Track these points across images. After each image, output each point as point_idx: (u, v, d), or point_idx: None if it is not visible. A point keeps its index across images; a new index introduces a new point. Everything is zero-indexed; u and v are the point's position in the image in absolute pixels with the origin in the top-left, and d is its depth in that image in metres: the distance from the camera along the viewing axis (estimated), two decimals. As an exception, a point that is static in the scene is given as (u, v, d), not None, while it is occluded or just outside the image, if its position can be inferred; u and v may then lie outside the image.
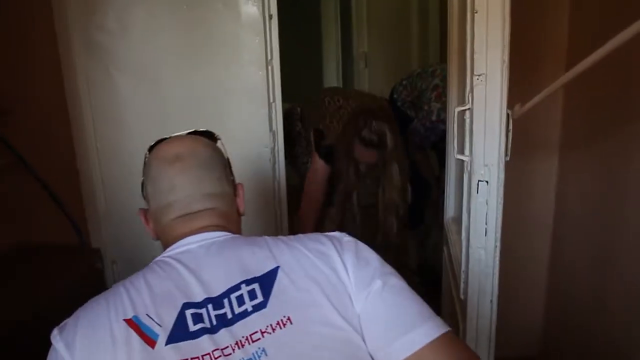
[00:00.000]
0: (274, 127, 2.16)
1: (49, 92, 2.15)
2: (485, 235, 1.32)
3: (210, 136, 1.10)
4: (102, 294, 0.91)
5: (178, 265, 0.90)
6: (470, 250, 1.35)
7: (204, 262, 0.90)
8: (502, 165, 1.27)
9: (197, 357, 0.78)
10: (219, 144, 1.11)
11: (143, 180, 1.05)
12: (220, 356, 0.79)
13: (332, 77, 4.33)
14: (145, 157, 1.06)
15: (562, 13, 1.90)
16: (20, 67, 2.08)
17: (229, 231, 1.00)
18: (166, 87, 2.11)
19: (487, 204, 1.30)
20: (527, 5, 1.80)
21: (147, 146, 1.08)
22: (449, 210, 1.91)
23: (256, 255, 0.90)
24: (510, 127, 1.26)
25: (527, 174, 2.06)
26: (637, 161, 1.56)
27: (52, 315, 1.84)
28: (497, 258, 1.33)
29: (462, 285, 1.45)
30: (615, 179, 1.68)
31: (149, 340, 0.80)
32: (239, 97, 2.15)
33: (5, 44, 2.03)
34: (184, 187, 0.98)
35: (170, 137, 1.06)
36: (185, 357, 0.78)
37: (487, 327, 1.39)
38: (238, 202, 1.08)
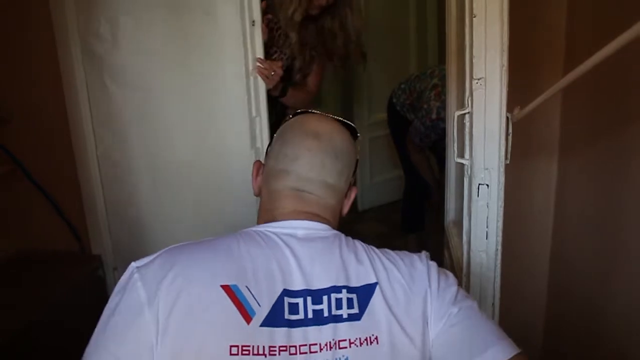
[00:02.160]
0: (257, 144, 1.99)
1: (49, 100, 2.15)
2: (486, 238, 1.32)
3: (352, 131, 1.10)
4: (197, 244, 0.89)
5: (283, 246, 0.89)
6: (472, 254, 1.35)
7: (309, 253, 0.89)
8: (502, 169, 1.27)
9: (285, 347, 0.79)
10: (356, 143, 1.10)
11: (275, 137, 1.06)
12: (306, 352, 0.80)
13: (331, 80, 4.33)
14: (288, 118, 1.07)
15: (560, 16, 1.91)
16: (20, 75, 2.10)
17: (332, 226, 0.99)
18: (158, 96, 2.06)
19: (487, 207, 1.30)
20: (525, 9, 1.81)
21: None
22: (450, 214, 1.92)
23: (358, 265, 0.90)
24: (510, 130, 1.27)
25: (526, 176, 2.06)
26: (636, 163, 1.56)
27: (53, 322, 1.87)
28: (499, 261, 1.33)
29: (463, 289, 1.45)
30: (614, 181, 1.69)
31: (246, 314, 0.80)
32: (222, 110, 2.01)
33: (4, 53, 2.04)
34: (307, 165, 0.98)
35: (320, 114, 1.07)
36: (274, 344, 0.79)
37: (489, 331, 1.39)
38: (345, 203, 1.07)
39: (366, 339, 0.82)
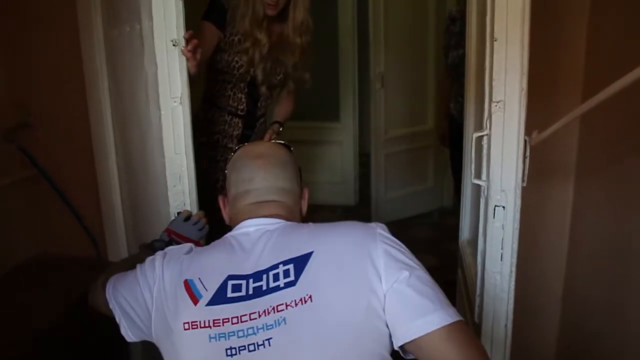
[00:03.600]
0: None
1: (72, 107, 2.21)
2: (501, 260, 1.33)
3: (287, 147, 1.29)
4: (180, 250, 1.14)
5: (235, 244, 1.09)
6: (486, 275, 1.36)
7: (256, 244, 1.07)
8: (518, 191, 1.29)
9: (228, 318, 0.97)
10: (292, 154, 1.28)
11: (227, 172, 1.26)
12: (247, 320, 0.96)
13: (348, 97, 4.36)
14: (232, 153, 1.29)
15: (580, 41, 1.92)
16: (44, 81, 2.15)
17: (288, 220, 1.15)
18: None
19: (503, 229, 1.31)
20: (545, 33, 1.82)
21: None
22: (464, 232, 1.93)
23: (297, 239, 1.06)
24: (528, 153, 1.28)
25: (543, 200, 2.06)
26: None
27: (68, 326, 1.89)
28: (513, 283, 1.34)
29: (476, 309, 1.45)
30: (630, 207, 1.69)
31: (194, 298, 1.01)
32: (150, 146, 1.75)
33: (29, 59, 2.10)
34: (262, 180, 1.17)
35: (256, 142, 1.31)
36: (218, 317, 0.97)
37: (501, 352, 1.39)
38: (302, 203, 1.25)
39: (301, 299, 0.95)
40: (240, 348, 0.94)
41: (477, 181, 1.38)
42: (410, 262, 1.00)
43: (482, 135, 1.33)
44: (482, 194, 1.38)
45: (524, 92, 1.23)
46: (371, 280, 0.96)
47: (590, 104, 1.18)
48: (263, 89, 2.16)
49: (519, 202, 1.29)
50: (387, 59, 3.80)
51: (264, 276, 1.00)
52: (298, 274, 0.98)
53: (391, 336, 0.95)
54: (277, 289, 0.98)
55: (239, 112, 2.15)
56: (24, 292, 2.01)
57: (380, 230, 1.06)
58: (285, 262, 1.01)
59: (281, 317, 0.94)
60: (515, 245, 1.32)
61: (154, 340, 1.08)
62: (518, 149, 1.27)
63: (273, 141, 1.31)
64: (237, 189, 1.19)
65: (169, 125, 1.53)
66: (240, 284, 1.00)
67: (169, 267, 1.08)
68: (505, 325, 1.36)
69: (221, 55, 2.03)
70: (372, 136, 3.90)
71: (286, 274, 0.99)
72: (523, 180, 1.30)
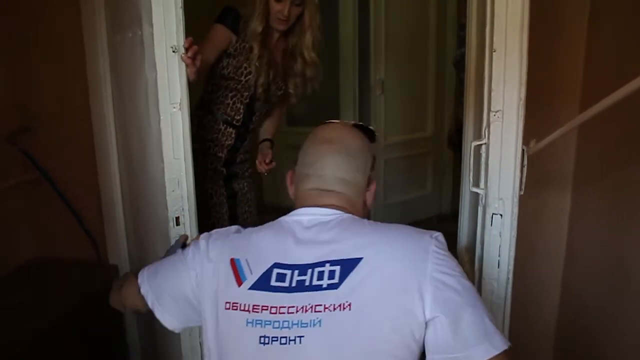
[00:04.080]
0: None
1: (75, 111, 2.22)
2: (498, 267, 1.35)
3: (369, 133, 1.26)
4: (229, 230, 1.16)
5: (287, 230, 1.08)
6: (483, 281, 1.37)
7: (307, 235, 1.06)
8: (516, 200, 1.31)
9: (267, 306, 0.98)
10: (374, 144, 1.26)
11: (301, 149, 1.22)
12: (284, 313, 0.96)
13: (348, 103, 4.38)
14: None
15: (578, 52, 1.94)
16: (47, 85, 2.16)
17: (348, 212, 1.11)
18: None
19: (500, 236, 1.33)
20: (544, 44, 1.84)
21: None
22: (462, 239, 1.94)
23: (350, 239, 1.02)
24: (525, 162, 1.30)
25: (540, 208, 2.08)
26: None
27: (69, 328, 1.90)
28: (510, 290, 1.36)
29: (473, 316, 1.47)
30: (627, 215, 1.70)
31: (239, 279, 1.02)
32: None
33: (32, 62, 2.11)
34: (322, 166, 1.14)
35: (334, 122, 1.26)
36: (258, 303, 0.99)
37: None
38: (367, 195, 1.19)
39: (340, 305, 0.94)
40: (273, 339, 0.96)
41: (475, 189, 1.39)
42: (459, 288, 0.95)
43: (481, 144, 1.35)
44: (480, 201, 1.39)
45: (522, 102, 1.25)
46: (414, 306, 0.93)
47: (588, 115, 1.20)
48: (262, 99, 2.17)
49: (516, 210, 1.31)
50: (388, 66, 3.83)
51: (309, 271, 0.99)
52: (342, 278, 0.96)
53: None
54: (319, 288, 0.97)
55: (234, 122, 2.15)
56: (25, 293, 2.03)
57: (434, 247, 1.00)
58: (332, 263, 0.99)
59: (317, 318, 0.94)
60: (512, 253, 1.33)
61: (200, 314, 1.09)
62: (516, 158, 1.28)
63: (358, 123, 1.27)
64: (301, 169, 1.18)
65: (168, 130, 1.54)
66: (285, 274, 1.00)
67: (216, 245, 1.10)
68: (502, 331, 1.37)
69: (229, 61, 2.04)
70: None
71: (331, 275, 0.97)
72: (520, 189, 1.31)
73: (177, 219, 1.60)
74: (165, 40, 1.47)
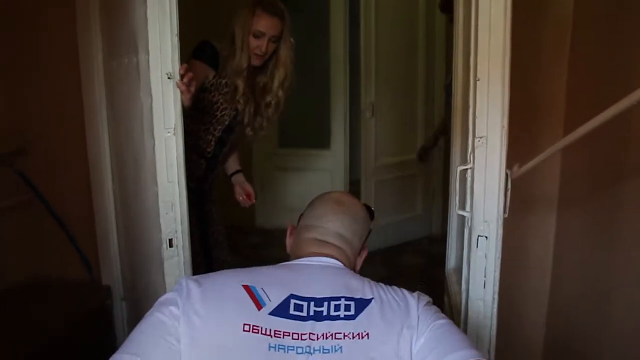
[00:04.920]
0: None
1: (70, 133, 2.26)
2: (484, 287, 1.39)
3: (370, 212, 1.38)
4: (235, 270, 1.17)
5: (297, 269, 1.17)
6: (470, 302, 1.41)
7: (319, 275, 1.15)
8: (500, 222, 1.35)
9: (289, 332, 1.02)
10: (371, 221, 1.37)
11: (307, 206, 1.34)
12: (306, 339, 1.01)
13: (339, 125, 4.44)
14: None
15: (561, 78, 2.01)
16: (42, 106, 2.20)
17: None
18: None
19: (486, 257, 1.37)
20: (528, 71, 1.91)
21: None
22: (450, 262, 1.98)
23: (359, 284, 1.13)
24: (509, 186, 1.35)
25: (527, 229, 2.13)
26: (629, 218, 1.63)
27: (62, 348, 1.91)
28: (495, 309, 1.39)
29: (461, 335, 1.50)
30: (610, 237, 1.75)
31: (258, 304, 1.04)
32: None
33: (25, 84, 2.15)
34: (330, 221, 1.25)
35: (346, 193, 1.42)
36: (279, 329, 1.02)
37: (484, 377, 1.44)
38: (358, 260, 1.31)
39: (359, 334, 1.03)
40: None
41: (461, 212, 1.43)
42: (442, 318, 1.09)
43: (466, 169, 1.40)
44: (466, 224, 1.43)
45: (505, 129, 1.30)
46: (410, 333, 1.05)
47: (570, 139, 1.26)
48: (248, 130, 2.23)
49: (500, 232, 1.35)
50: (378, 89, 3.89)
51: (325, 303, 1.06)
52: (358, 312, 1.06)
53: None
54: (337, 318, 1.04)
55: (205, 154, 2.20)
56: (16, 313, 2.03)
57: (423, 300, 1.13)
58: (347, 299, 1.08)
59: (338, 345, 1.01)
60: (498, 274, 1.37)
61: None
62: (500, 182, 1.33)
63: (362, 203, 1.38)
64: (307, 221, 1.28)
65: (162, 154, 1.58)
66: (302, 305, 1.06)
67: (210, 281, 1.11)
68: (489, 350, 1.41)
69: (204, 95, 2.07)
70: (363, 164, 3.96)
71: (347, 308, 1.06)
72: (505, 212, 1.36)
73: (171, 240, 1.63)
74: (160, 67, 1.52)
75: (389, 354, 1.02)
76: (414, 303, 1.11)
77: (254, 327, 1.01)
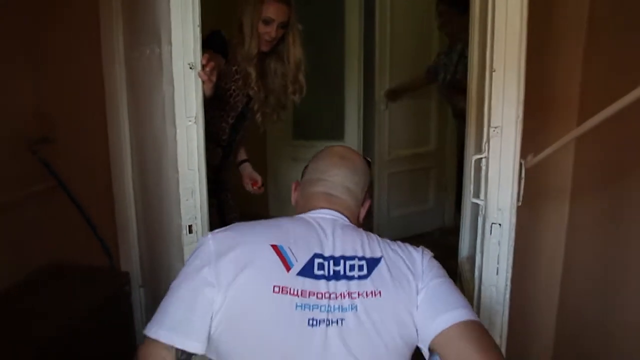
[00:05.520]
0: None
1: (92, 123, 2.31)
2: (497, 274, 1.42)
3: (368, 162, 1.44)
4: (256, 221, 1.24)
5: (317, 225, 1.22)
6: (483, 288, 1.44)
7: (335, 231, 1.21)
8: (514, 210, 1.38)
9: (314, 292, 1.10)
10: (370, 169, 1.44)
11: (309, 162, 1.41)
12: (328, 298, 1.10)
13: (353, 117, 4.45)
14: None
15: (575, 69, 2.02)
16: (65, 96, 2.24)
17: (350, 222, 1.30)
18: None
19: (499, 245, 1.40)
20: (543, 60, 1.92)
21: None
22: (464, 250, 2.01)
23: (369, 243, 1.21)
24: (523, 175, 1.38)
25: (539, 219, 2.15)
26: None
27: (82, 333, 1.96)
28: (508, 296, 1.43)
29: (473, 321, 1.53)
30: (624, 225, 1.77)
31: (287, 265, 1.11)
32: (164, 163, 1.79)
33: (51, 73, 2.20)
34: (335, 174, 1.32)
35: (344, 145, 1.46)
36: (305, 289, 1.10)
37: (496, 362, 1.47)
38: (362, 210, 1.38)
39: (372, 292, 1.12)
40: (320, 321, 1.08)
41: (475, 200, 1.47)
42: (443, 276, 1.19)
43: (481, 158, 1.43)
44: (480, 212, 1.46)
45: (520, 119, 1.33)
46: (415, 291, 1.15)
47: (583, 129, 1.28)
48: (258, 116, 2.26)
49: (514, 220, 1.38)
50: (392, 81, 3.90)
51: (342, 262, 1.15)
52: (370, 271, 1.15)
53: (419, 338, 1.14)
54: (352, 278, 1.13)
55: (221, 142, 2.24)
56: (37, 299, 2.08)
57: (427, 257, 1.23)
58: (359, 258, 1.16)
59: (354, 303, 1.10)
60: (511, 260, 1.40)
61: (217, 322, 1.08)
62: (514, 171, 1.36)
63: (358, 154, 1.45)
64: (312, 175, 1.36)
65: (183, 143, 1.62)
66: (324, 264, 1.14)
67: (227, 237, 1.16)
68: (500, 336, 1.44)
69: (218, 83, 2.05)
70: (376, 156, 3.98)
71: (360, 268, 1.15)
72: (518, 200, 1.39)
73: (190, 227, 1.68)
74: (182, 58, 1.56)
75: (400, 309, 1.13)
76: (419, 258, 1.21)
77: (284, 288, 1.08)
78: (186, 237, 1.67)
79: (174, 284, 1.13)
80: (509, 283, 1.42)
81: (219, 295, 1.08)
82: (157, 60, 1.72)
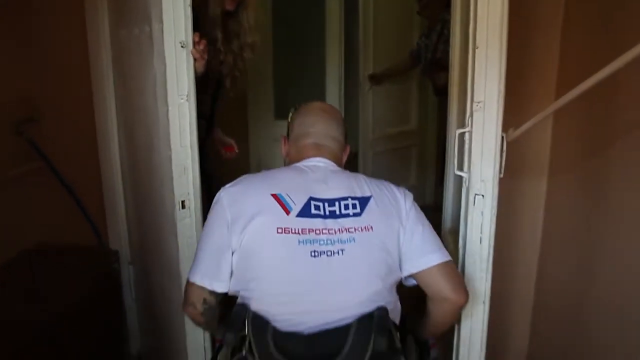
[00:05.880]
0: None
1: (78, 102, 2.31)
2: (480, 243, 1.49)
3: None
4: (259, 174, 1.49)
5: (310, 173, 1.46)
6: (466, 257, 1.51)
7: (327, 176, 1.45)
8: (496, 181, 1.44)
9: (312, 229, 1.33)
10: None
11: (293, 118, 1.63)
12: (326, 233, 1.33)
13: (334, 97, 4.49)
14: (296, 108, 1.66)
15: (553, 42, 2.08)
16: (51, 75, 2.24)
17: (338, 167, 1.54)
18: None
19: (482, 215, 1.47)
20: (520, 35, 1.97)
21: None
22: (446, 223, 2.07)
23: (358, 184, 1.44)
24: (505, 148, 1.44)
25: (518, 192, 2.22)
26: (617, 182, 1.73)
27: (72, 312, 1.98)
28: (490, 264, 1.50)
29: (458, 289, 1.60)
30: (598, 199, 1.85)
31: (286, 209, 1.35)
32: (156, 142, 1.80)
33: (36, 53, 2.19)
34: (321, 127, 1.56)
35: (320, 101, 1.71)
36: (305, 227, 1.33)
37: (479, 328, 1.55)
38: (343, 155, 1.61)
39: (365, 227, 1.36)
40: (321, 252, 1.32)
41: (459, 172, 1.53)
42: (423, 220, 1.45)
43: (464, 132, 1.49)
44: (463, 184, 1.52)
45: (502, 94, 1.39)
46: (399, 227, 1.40)
47: (561, 102, 1.35)
48: (227, 82, 2.26)
49: (496, 191, 1.45)
50: (376, 61, 3.93)
51: (336, 203, 1.38)
52: (362, 209, 1.38)
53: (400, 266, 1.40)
54: (347, 215, 1.36)
55: (205, 115, 2.22)
56: (26, 279, 2.10)
57: (409, 199, 1.47)
58: (352, 198, 1.39)
59: (351, 237, 1.34)
60: (493, 230, 1.47)
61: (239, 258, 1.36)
62: (496, 144, 1.42)
63: (333, 106, 1.70)
64: (300, 130, 1.58)
65: (175, 120, 1.66)
66: (319, 205, 1.37)
67: (237, 191, 1.42)
68: (483, 302, 1.51)
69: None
70: (361, 136, 4.03)
71: (354, 206, 1.38)
72: (500, 172, 1.45)
73: (183, 202, 1.71)
74: (174, 36, 1.59)
75: (390, 241, 1.38)
76: (402, 199, 1.45)
77: (285, 229, 1.32)
78: (179, 213, 1.71)
79: (201, 239, 1.44)
80: (491, 252, 1.48)
81: (234, 241, 1.35)
82: (147, 39, 1.74)
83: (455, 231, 1.90)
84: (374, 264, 1.35)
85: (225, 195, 1.41)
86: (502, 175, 1.45)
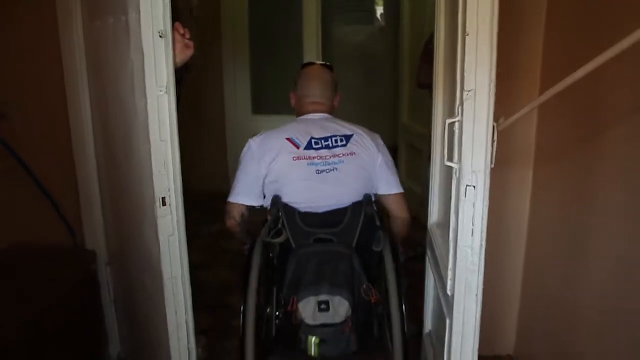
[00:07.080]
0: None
1: (51, 98, 2.23)
2: (472, 235, 1.45)
3: (331, 68, 2.28)
4: (275, 129, 2.11)
5: (310, 123, 2.13)
6: (458, 250, 1.47)
7: (322, 123, 2.11)
8: (488, 172, 1.41)
9: (316, 156, 2.01)
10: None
11: (297, 80, 2.24)
12: (325, 158, 2.01)
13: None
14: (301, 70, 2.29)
15: (538, 35, 2.08)
16: (22, 71, 2.15)
17: (331, 114, 2.21)
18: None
19: (474, 206, 1.43)
20: (508, 32, 1.96)
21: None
22: (433, 216, 2.05)
23: (342, 127, 2.11)
24: (496, 137, 1.41)
25: (506, 182, 2.22)
26: (601, 173, 1.72)
27: (47, 317, 1.90)
28: (483, 256, 1.46)
29: (449, 283, 1.57)
30: (582, 189, 1.84)
31: (296, 145, 2.03)
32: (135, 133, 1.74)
33: (4, 47, 2.10)
34: (317, 89, 2.18)
35: (317, 64, 2.32)
36: (311, 155, 2.01)
37: (472, 320, 1.52)
38: (335, 102, 2.23)
39: (350, 153, 2.04)
40: (322, 170, 2.00)
41: (449, 164, 1.49)
42: (389, 157, 2.14)
43: (454, 122, 1.45)
44: (454, 175, 1.49)
45: (493, 82, 1.35)
46: (374, 156, 2.08)
47: (554, 92, 1.31)
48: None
49: (488, 182, 1.41)
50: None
51: (329, 139, 2.04)
52: (347, 142, 2.05)
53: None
54: (337, 146, 2.03)
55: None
56: (0, 282, 2.02)
57: (379, 139, 2.15)
58: (340, 136, 2.06)
59: (341, 160, 2.02)
60: (485, 222, 1.43)
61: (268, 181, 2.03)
62: (487, 134, 1.38)
63: (325, 63, 2.32)
64: (302, 91, 2.19)
65: (155, 113, 1.60)
66: (319, 141, 2.03)
67: (264, 140, 2.05)
68: (476, 295, 1.48)
69: None
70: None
71: (341, 140, 2.05)
72: (492, 163, 1.42)
73: (164, 199, 1.65)
74: (152, 26, 1.53)
75: (367, 164, 2.05)
76: (376, 139, 2.11)
77: (299, 157, 2.00)
78: (160, 210, 1.65)
79: (238, 174, 2.07)
80: (484, 243, 1.45)
81: (264, 170, 2.01)
82: (123, 29, 1.67)
83: (443, 224, 1.88)
84: (358, 176, 2.04)
85: (254, 143, 2.04)
86: (493, 166, 1.42)
